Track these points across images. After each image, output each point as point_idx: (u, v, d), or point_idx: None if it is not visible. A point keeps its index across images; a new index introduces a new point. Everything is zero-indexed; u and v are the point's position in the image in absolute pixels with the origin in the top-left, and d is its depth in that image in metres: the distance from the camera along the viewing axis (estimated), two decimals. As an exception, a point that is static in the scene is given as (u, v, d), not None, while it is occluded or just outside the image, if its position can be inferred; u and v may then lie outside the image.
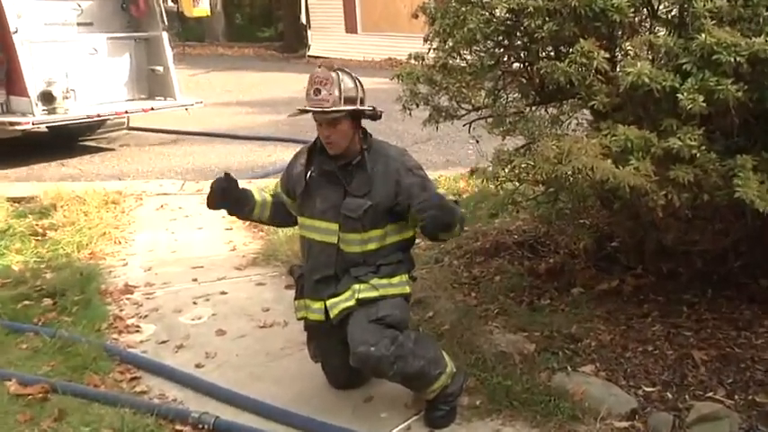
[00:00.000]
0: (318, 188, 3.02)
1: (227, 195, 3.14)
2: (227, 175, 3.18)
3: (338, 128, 2.90)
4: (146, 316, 4.27)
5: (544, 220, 4.46)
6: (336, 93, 2.84)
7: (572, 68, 2.96)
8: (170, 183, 7.38)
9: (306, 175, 3.03)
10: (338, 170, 2.97)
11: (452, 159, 8.41)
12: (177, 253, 5.33)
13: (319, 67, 2.94)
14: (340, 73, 2.88)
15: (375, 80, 11.66)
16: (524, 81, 3.69)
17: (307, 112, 2.86)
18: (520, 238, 4.79)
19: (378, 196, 2.93)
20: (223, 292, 4.57)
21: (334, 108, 2.84)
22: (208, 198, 3.18)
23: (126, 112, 9.22)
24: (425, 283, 4.23)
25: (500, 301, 3.96)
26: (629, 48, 3.11)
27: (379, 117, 2.96)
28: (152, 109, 9.27)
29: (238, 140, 9.83)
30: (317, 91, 2.83)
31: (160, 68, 9.41)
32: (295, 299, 3.20)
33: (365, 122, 3.03)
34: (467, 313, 3.83)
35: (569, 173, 2.73)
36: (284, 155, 8.86)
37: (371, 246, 2.97)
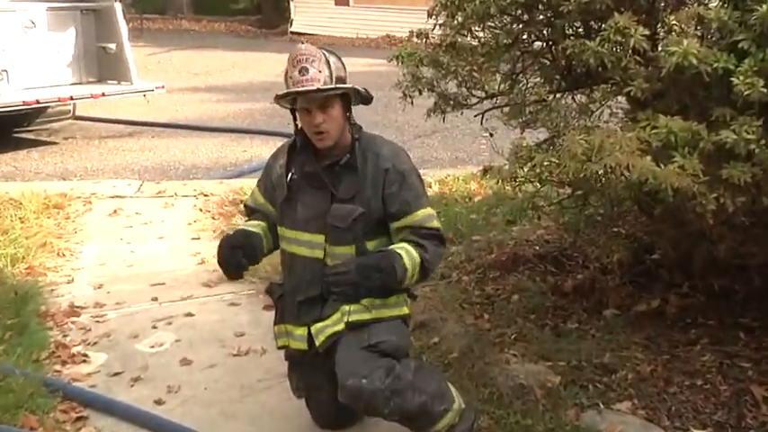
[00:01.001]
0: (300, 193, 3.01)
1: (241, 255, 3.07)
2: (237, 236, 3.12)
3: (331, 113, 2.89)
4: (95, 343, 4.25)
5: (570, 229, 4.46)
6: (327, 71, 2.84)
7: (604, 48, 2.96)
8: (125, 183, 7.38)
9: (286, 179, 3.03)
10: (323, 171, 2.97)
11: (462, 156, 8.44)
12: (134, 267, 5.32)
13: (302, 43, 2.95)
14: (325, 51, 2.91)
15: (369, 61, 11.58)
16: (547, 63, 3.70)
17: (298, 94, 2.85)
18: (542, 249, 4.79)
19: (369, 201, 2.93)
20: (189, 314, 4.57)
21: (329, 86, 2.84)
22: (222, 266, 3.12)
23: (71, 99, 9.20)
24: (429, 303, 4.22)
25: (518, 325, 3.96)
26: (673, 22, 3.12)
27: (371, 101, 2.98)
28: (103, 95, 9.28)
29: (207, 133, 9.88)
30: (304, 70, 2.82)
31: (112, 46, 9.43)
32: (275, 323, 3.19)
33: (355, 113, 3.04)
34: (478, 339, 3.82)
35: (601, 172, 2.74)
36: (262, 150, 8.89)
37: (364, 260, 2.97)
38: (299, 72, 2.83)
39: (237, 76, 14.63)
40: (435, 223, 2.97)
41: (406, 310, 3.05)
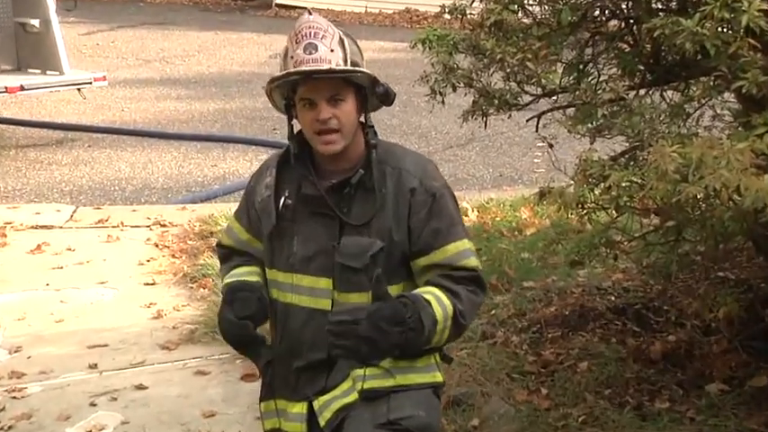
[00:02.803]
0: (297, 223, 3.00)
1: (254, 328, 3.10)
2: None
3: (343, 108, 2.88)
4: (10, 428, 4.24)
5: (659, 273, 4.45)
6: (341, 52, 2.86)
7: (705, 28, 2.98)
8: (52, 209, 7.41)
9: (276, 205, 3.03)
10: (329, 193, 2.98)
11: (508, 173, 8.46)
12: (65, 323, 5.34)
13: (309, 13, 2.95)
14: (336, 27, 2.92)
15: (383, 45, 11.68)
16: (627, 49, 3.71)
17: (304, 74, 2.86)
18: (619, 300, 4.78)
19: (390, 233, 2.93)
20: (140, 387, 4.58)
21: (345, 68, 2.86)
22: (236, 349, 3.18)
23: (-24, 93, 9.34)
24: (467, 372, 4.23)
25: (588, 403, 3.95)
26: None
27: (393, 100, 2.99)
28: (21, 88, 9.38)
29: (165, 141, 9.92)
30: (311, 47, 2.82)
31: (35, 22, 9.54)
32: (261, 399, 3.18)
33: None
34: (533, 422, 3.81)
35: (700, 196, 2.75)
36: (238, 165, 8.94)
37: (385, 311, 2.97)
38: (305, 49, 2.83)
39: (205, 64, 14.73)
40: (473, 261, 2.97)
41: (438, 377, 3.04)
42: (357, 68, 2.87)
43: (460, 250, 2.95)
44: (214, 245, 3.35)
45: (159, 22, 18.72)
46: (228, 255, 3.25)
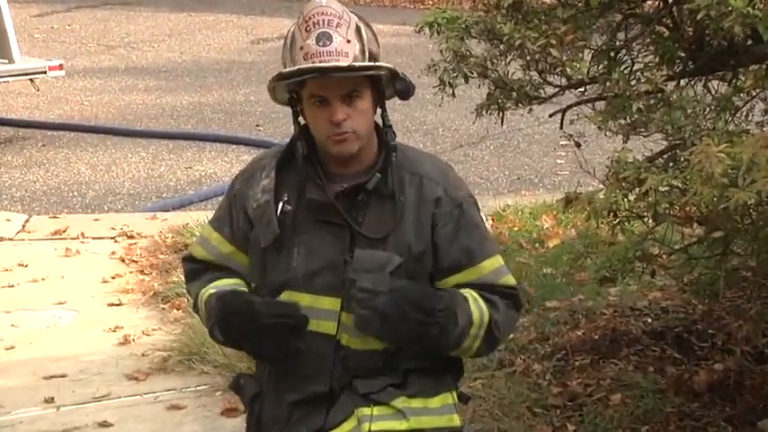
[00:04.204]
0: (298, 233, 3.01)
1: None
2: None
3: (359, 107, 2.87)
4: (-44, 471, 4.29)
5: (703, 291, 4.46)
6: (358, 43, 2.85)
7: (757, 9, 2.98)
8: (2, 218, 7.41)
9: (276, 211, 3.02)
10: (339, 199, 2.98)
11: (528, 176, 8.47)
12: (16, 350, 5.34)
13: None
14: (351, 13, 2.91)
15: (383, 29, 11.75)
16: (666, 33, 3.72)
17: (320, 71, 2.84)
18: (657, 322, 4.78)
19: (409, 247, 2.94)
20: (104, 424, 4.56)
21: (366, 63, 2.87)
22: (267, 357, 3.10)
23: None
24: (482, 405, 4.22)
25: (622, 443, 3.95)
26: None
27: (412, 94, 2.98)
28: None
29: (131, 140, 9.93)
30: (325, 38, 2.80)
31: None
32: (247, 439, 3.19)
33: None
34: (560, 465, 3.82)
35: (752, 202, 2.74)
36: (216, 167, 8.95)
37: (398, 338, 2.97)
38: (318, 40, 2.81)
39: (177, 50, 14.75)
40: (511, 279, 2.98)
41: (456, 421, 3.03)
42: (380, 64, 2.87)
43: (496, 267, 2.97)
44: (181, 259, 3.26)
45: (124, 1, 18.72)
46: (202, 270, 3.19)
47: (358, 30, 2.84)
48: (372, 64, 2.85)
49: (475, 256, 2.95)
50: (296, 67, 2.81)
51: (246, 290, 3.06)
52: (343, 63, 2.79)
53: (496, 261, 2.98)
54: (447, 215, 2.95)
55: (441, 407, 3.02)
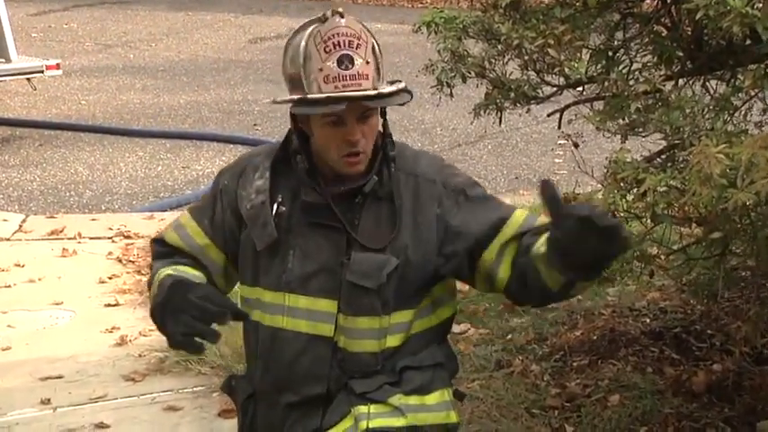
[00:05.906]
0: (293, 235, 3.00)
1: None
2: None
3: (371, 123, 2.86)
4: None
5: (702, 291, 4.45)
6: (374, 62, 2.84)
7: (756, 9, 2.97)
8: (-2, 217, 7.44)
9: (272, 212, 3.01)
10: (336, 202, 2.98)
11: (525, 175, 8.47)
12: (13, 351, 5.34)
13: (341, 15, 2.89)
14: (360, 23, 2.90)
15: (380, 28, 11.77)
16: (664, 32, 3.71)
17: (349, 100, 2.83)
18: (655, 323, 4.78)
19: (405, 250, 2.94)
20: (101, 425, 4.57)
21: (388, 89, 2.83)
22: (175, 344, 3.02)
23: None
24: (480, 407, 4.22)
25: (621, 444, 3.95)
26: None
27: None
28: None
29: (129, 140, 9.93)
30: (347, 60, 2.77)
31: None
32: (241, 441, 3.19)
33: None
34: (558, 466, 3.82)
35: (751, 203, 2.74)
36: (214, 166, 8.89)
37: (395, 339, 2.97)
38: (339, 63, 2.77)
39: (174, 49, 14.75)
40: (545, 219, 2.91)
41: (453, 417, 3.03)
42: (404, 89, 2.86)
43: (527, 215, 2.92)
44: (150, 240, 3.15)
45: (121, 0, 18.71)
46: (169, 254, 3.10)
47: (374, 48, 2.82)
48: (400, 88, 2.85)
49: (503, 213, 2.92)
50: (324, 95, 2.77)
51: (199, 282, 2.96)
52: (370, 90, 2.78)
53: (523, 212, 2.93)
54: (454, 206, 2.94)
55: (437, 403, 3.02)
